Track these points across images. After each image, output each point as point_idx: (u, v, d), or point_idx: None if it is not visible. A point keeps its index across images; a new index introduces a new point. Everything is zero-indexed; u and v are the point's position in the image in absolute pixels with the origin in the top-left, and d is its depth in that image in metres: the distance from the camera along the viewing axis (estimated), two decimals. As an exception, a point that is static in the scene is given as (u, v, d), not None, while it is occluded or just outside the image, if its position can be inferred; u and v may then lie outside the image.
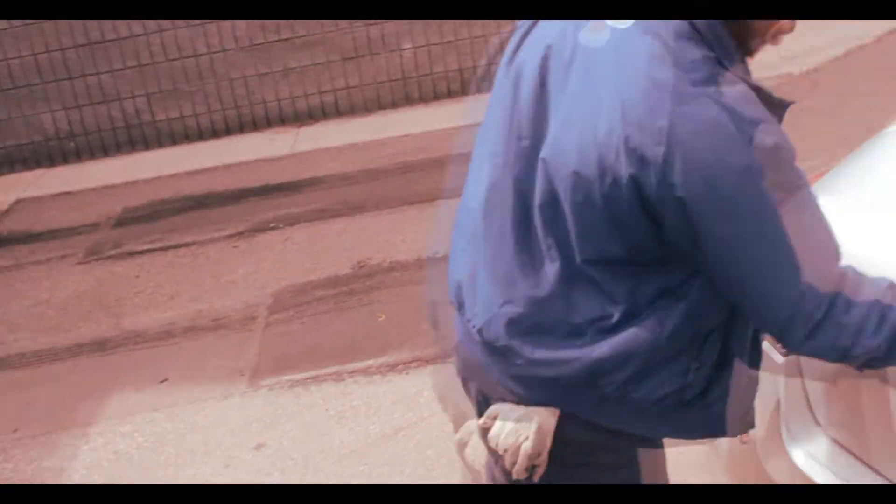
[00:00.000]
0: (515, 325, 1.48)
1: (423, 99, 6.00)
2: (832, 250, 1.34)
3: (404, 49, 5.86)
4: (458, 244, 1.63)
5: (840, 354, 1.34)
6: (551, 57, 1.43)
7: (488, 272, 1.52)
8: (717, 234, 1.30)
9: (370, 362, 3.52)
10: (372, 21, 5.75)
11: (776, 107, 1.34)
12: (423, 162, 5.23)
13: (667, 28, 1.33)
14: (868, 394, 1.73)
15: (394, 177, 5.13)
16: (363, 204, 4.85)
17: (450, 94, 6.00)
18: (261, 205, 5.04)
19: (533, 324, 1.46)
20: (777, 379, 1.92)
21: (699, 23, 1.33)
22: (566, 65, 1.41)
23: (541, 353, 1.46)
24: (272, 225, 4.78)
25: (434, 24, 5.80)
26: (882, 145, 2.11)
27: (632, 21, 1.36)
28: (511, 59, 1.55)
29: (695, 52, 1.30)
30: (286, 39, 5.78)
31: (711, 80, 1.28)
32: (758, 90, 1.31)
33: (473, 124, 1.66)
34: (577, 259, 1.41)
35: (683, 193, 1.28)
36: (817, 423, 1.89)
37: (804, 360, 1.88)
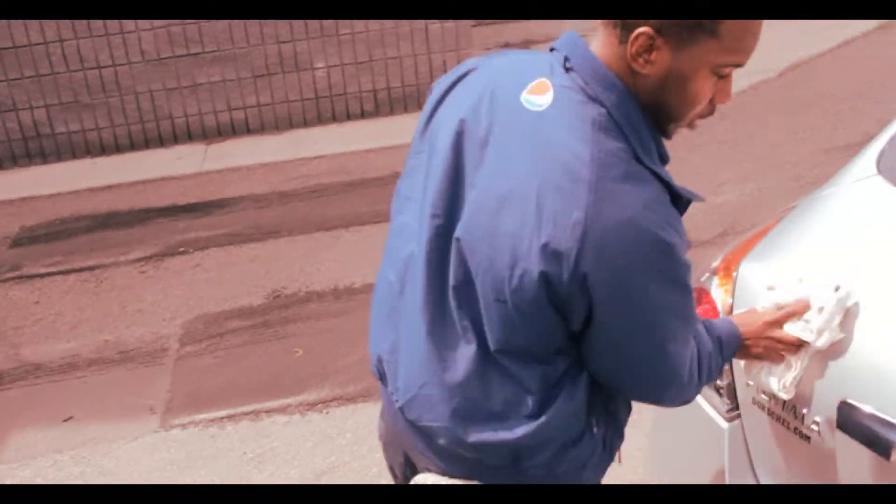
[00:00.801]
0: (435, 408, 1.47)
1: (337, 119, 5.90)
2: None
3: (317, 68, 5.75)
4: (378, 318, 1.60)
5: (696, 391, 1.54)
6: (465, 133, 1.42)
7: (407, 351, 1.51)
8: (614, 327, 1.35)
9: (289, 401, 3.41)
10: (284, 38, 5.62)
11: (683, 202, 1.39)
12: (339, 185, 5.15)
13: (585, 117, 1.32)
14: (810, 454, 1.74)
15: (308, 200, 5.02)
16: (277, 229, 4.73)
17: (363, 115, 5.93)
18: (168, 227, 4.86)
19: (453, 408, 1.46)
20: (721, 443, 1.92)
21: (616, 113, 1.33)
22: (481, 143, 1.40)
23: (462, 436, 1.46)
24: (181, 249, 4.61)
25: (348, 42, 5.71)
26: (812, 210, 2.13)
27: (550, 101, 1.35)
28: (425, 128, 1.53)
29: (613, 146, 1.30)
30: (195, 54, 5.60)
31: (627, 178, 1.29)
32: (668, 185, 1.34)
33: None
34: (490, 346, 1.41)
35: (592, 289, 1.30)
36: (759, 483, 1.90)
37: (747, 425, 1.89)
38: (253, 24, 5.54)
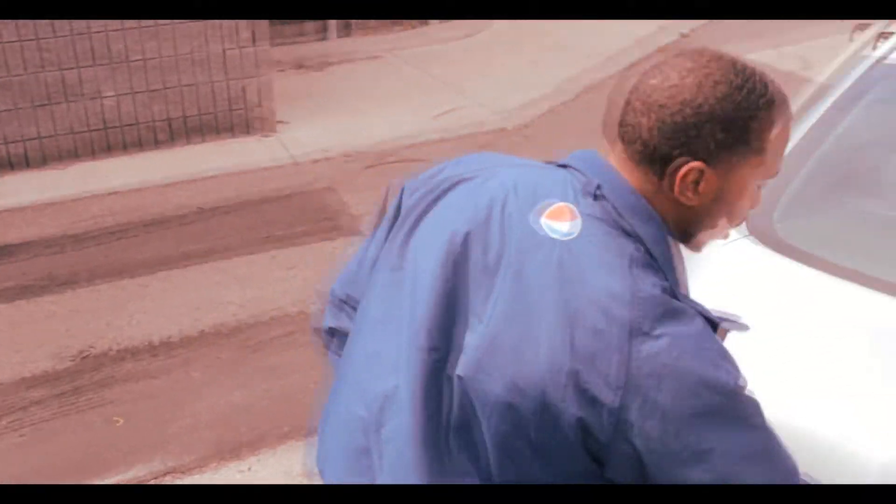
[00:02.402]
0: None
1: (128, 150, 5.49)
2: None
3: (106, 96, 5.32)
4: (345, 453, 1.38)
5: None
6: (467, 254, 1.27)
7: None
8: (684, 475, 1.20)
9: (115, 479, 3.09)
10: (67, 65, 5.16)
11: (717, 326, 1.28)
12: (138, 224, 4.77)
13: (621, 252, 1.22)
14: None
15: (106, 243, 4.61)
16: (73, 278, 4.30)
17: (157, 145, 5.54)
18: (-57, 281, 4.33)
19: None
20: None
21: (654, 249, 1.24)
22: (489, 269, 1.25)
23: None
24: (-39, 308, 4.11)
25: (140, 69, 5.32)
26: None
27: (577, 230, 1.23)
28: (405, 241, 1.36)
29: (650, 283, 1.20)
30: (-36, 83, 5.04)
31: (669, 317, 1.18)
32: (708, 318, 1.24)
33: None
34: (496, 481, 1.26)
35: (639, 440, 1.17)
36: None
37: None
38: (31, 49, 5.05)
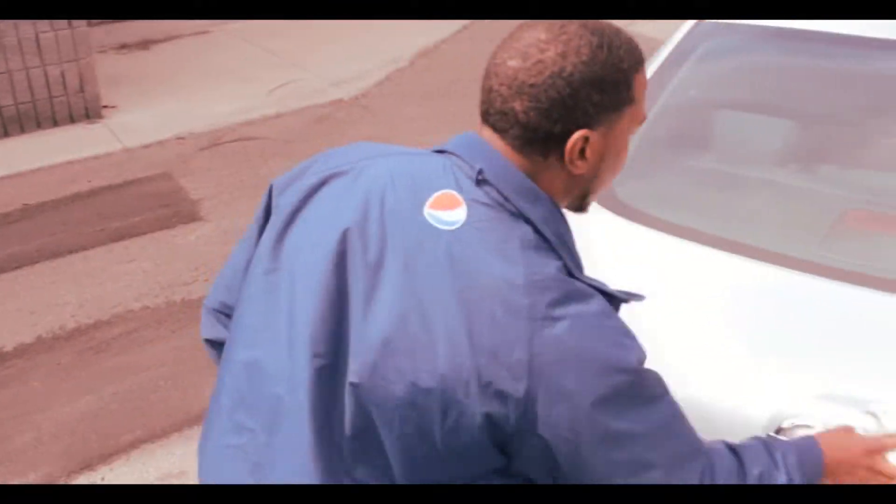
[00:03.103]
0: None
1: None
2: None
3: None
4: (232, 470, 1.30)
5: None
6: (349, 252, 1.21)
7: None
8: (585, 466, 1.17)
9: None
10: None
11: (617, 301, 1.26)
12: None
13: (510, 236, 1.18)
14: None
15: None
16: None
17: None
18: None
19: None
20: None
21: (545, 229, 1.20)
22: (372, 266, 1.20)
23: None
24: None
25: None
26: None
27: (463, 218, 1.18)
28: (278, 241, 1.28)
29: (546, 266, 1.17)
30: None
31: (567, 298, 1.15)
32: (607, 294, 1.21)
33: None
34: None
35: (547, 430, 1.13)
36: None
37: None
38: None
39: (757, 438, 1.37)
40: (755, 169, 2.39)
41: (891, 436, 1.45)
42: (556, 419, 1.13)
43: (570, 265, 1.21)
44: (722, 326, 1.81)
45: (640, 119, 1.28)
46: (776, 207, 2.25)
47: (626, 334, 1.19)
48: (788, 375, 1.70)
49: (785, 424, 1.62)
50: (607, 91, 1.19)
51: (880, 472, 1.42)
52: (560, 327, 1.13)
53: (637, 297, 1.28)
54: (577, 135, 1.19)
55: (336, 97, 5.88)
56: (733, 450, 1.30)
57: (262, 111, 5.67)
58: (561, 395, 1.12)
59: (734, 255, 1.99)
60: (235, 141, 5.32)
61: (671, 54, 2.53)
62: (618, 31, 1.24)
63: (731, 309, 1.85)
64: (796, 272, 1.93)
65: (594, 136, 1.21)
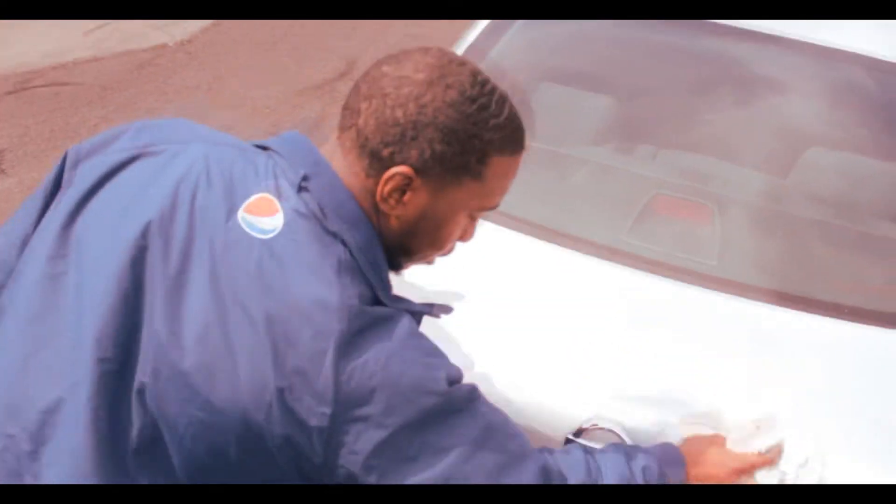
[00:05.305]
0: None
1: None
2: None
3: None
4: None
5: None
6: (150, 250, 1.09)
7: None
8: (411, 481, 1.11)
9: None
10: None
11: (431, 314, 1.22)
12: None
13: (327, 255, 1.09)
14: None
15: None
16: None
17: None
18: None
19: None
20: None
21: (360, 256, 1.12)
22: (176, 270, 1.09)
23: None
24: None
25: None
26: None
27: (279, 227, 1.08)
28: (69, 223, 1.14)
29: (358, 291, 1.09)
30: None
31: (375, 325, 1.08)
32: (414, 314, 1.16)
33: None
34: None
35: (351, 460, 1.07)
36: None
37: None
38: None
39: (618, 446, 1.35)
40: (575, 148, 2.34)
41: (760, 455, 1.41)
42: (362, 447, 1.07)
43: (379, 291, 1.14)
44: (525, 321, 1.75)
45: (488, 205, 1.20)
46: (592, 190, 2.21)
47: (435, 354, 1.14)
48: (588, 374, 1.66)
49: (586, 426, 1.58)
50: (453, 147, 1.11)
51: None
52: (368, 354, 1.07)
53: (445, 309, 1.24)
54: (400, 169, 1.11)
55: (159, 42, 5.55)
56: (588, 454, 1.29)
57: (76, 54, 5.28)
58: (367, 423, 1.06)
59: (543, 242, 1.93)
60: (46, 86, 4.94)
61: (489, 25, 2.44)
62: (506, 105, 1.15)
63: (537, 302, 1.79)
64: (603, 260, 1.89)
65: (419, 183, 1.12)
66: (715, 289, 1.84)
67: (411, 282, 1.41)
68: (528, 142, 1.21)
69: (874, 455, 1.55)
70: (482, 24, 2.46)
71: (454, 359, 1.62)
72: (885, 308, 1.88)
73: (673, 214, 2.10)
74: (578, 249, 1.91)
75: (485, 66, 2.35)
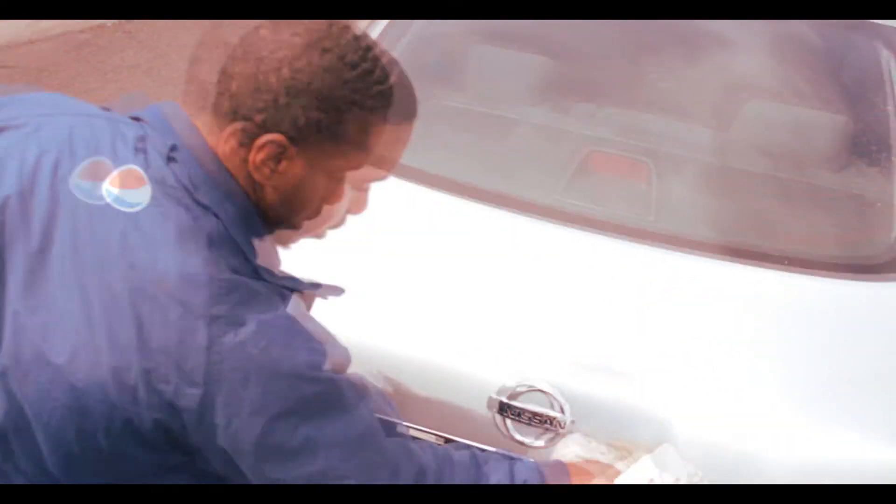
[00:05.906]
0: None
1: None
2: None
3: None
4: None
5: None
6: (7, 226, 1.03)
7: None
8: (288, 473, 1.08)
9: None
10: None
11: (318, 294, 1.17)
12: None
13: (197, 230, 1.03)
14: None
15: None
16: None
17: None
18: None
19: None
20: None
21: (233, 229, 1.06)
22: (36, 246, 1.03)
23: None
24: None
25: None
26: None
27: (146, 201, 1.03)
28: None
29: (230, 265, 1.04)
30: None
31: (253, 302, 1.03)
32: (291, 288, 1.10)
33: None
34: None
35: (226, 442, 1.02)
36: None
37: None
38: None
39: (504, 454, 1.35)
40: (510, 109, 2.29)
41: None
42: (235, 431, 1.02)
43: (258, 265, 1.08)
44: (459, 283, 1.69)
45: (376, 176, 1.14)
46: (527, 150, 2.16)
47: (317, 337, 1.08)
48: (524, 335, 1.61)
49: (519, 388, 1.53)
50: (330, 115, 1.04)
51: None
52: (243, 333, 1.01)
53: (335, 290, 1.18)
54: (272, 136, 1.04)
55: (98, 22, 5.41)
56: (474, 458, 1.28)
57: (11, 36, 5.13)
58: (241, 406, 1.02)
59: (480, 204, 1.87)
60: (-20, 70, 4.81)
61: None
62: (391, 72, 1.08)
63: (471, 264, 1.73)
64: (538, 219, 1.84)
65: (294, 152, 1.06)
66: (653, 244, 1.80)
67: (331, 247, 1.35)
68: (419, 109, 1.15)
69: (822, 404, 1.53)
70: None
71: (379, 325, 1.59)
72: (826, 258, 1.85)
73: (609, 171, 2.05)
74: (513, 209, 1.86)
75: (418, 29, 2.32)
